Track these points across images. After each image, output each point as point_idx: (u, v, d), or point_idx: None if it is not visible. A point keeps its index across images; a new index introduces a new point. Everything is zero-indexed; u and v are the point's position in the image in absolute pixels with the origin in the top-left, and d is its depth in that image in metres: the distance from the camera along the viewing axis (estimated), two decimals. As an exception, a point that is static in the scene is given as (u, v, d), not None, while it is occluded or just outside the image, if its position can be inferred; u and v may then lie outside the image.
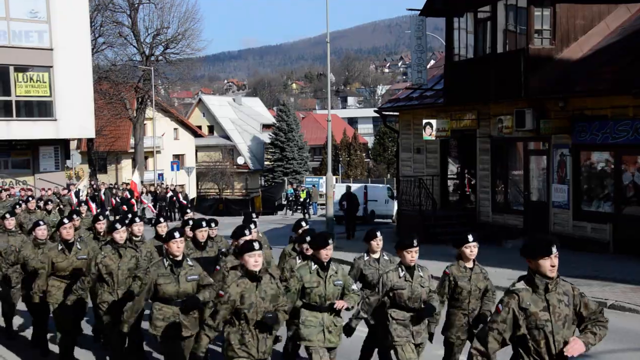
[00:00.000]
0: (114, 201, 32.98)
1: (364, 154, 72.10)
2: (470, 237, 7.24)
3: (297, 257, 8.58)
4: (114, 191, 34.78)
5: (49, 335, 9.92)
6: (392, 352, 7.21)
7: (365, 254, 8.09)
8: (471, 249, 7.24)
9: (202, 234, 9.11)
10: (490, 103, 20.35)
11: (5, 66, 27.80)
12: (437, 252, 15.88)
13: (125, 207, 29.38)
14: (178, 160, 50.93)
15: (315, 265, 6.85)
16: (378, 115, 27.67)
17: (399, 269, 6.98)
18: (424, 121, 21.59)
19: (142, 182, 36.42)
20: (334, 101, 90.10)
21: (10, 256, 10.50)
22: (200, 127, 65.83)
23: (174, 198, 36.98)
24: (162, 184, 41.32)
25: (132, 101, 48.98)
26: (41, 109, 29.04)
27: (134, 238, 9.18)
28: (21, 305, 10.76)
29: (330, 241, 6.92)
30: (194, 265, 7.33)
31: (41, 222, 10.04)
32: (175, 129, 58.01)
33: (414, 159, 24.23)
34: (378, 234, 7.97)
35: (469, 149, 22.11)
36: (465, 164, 23.14)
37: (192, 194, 48.56)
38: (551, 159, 18.84)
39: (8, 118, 28.15)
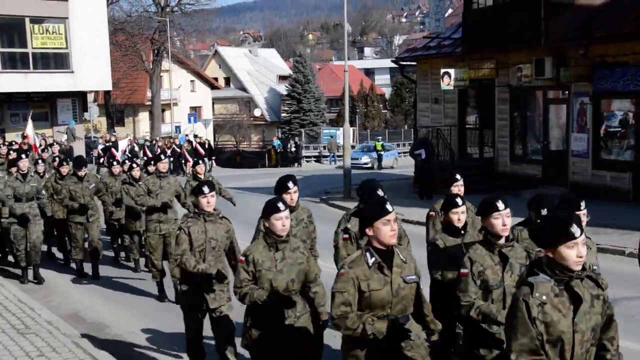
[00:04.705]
0: None
1: (381, 105, 71.58)
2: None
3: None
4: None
5: None
6: None
7: None
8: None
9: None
10: (509, 51, 20.06)
11: (21, 17, 27.65)
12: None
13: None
14: (195, 113, 50.85)
15: None
16: (395, 65, 27.39)
17: None
18: (442, 71, 21.33)
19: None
20: (350, 52, 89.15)
21: (209, 255, 6.50)
22: (216, 79, 65.54)
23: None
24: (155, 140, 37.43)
25: (148, 53, 48.83)
26: (58, 61, 28.98)
27: None
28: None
29: None
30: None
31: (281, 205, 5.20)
32: (191, 81, 57.85)
33: (432, 109, 24.02)
34: None
35: (488, 98, 21.89)
36: (483, 114, 22.93)
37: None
38: (571, 108, 18.63)
39: (25, 70, 28.14)
